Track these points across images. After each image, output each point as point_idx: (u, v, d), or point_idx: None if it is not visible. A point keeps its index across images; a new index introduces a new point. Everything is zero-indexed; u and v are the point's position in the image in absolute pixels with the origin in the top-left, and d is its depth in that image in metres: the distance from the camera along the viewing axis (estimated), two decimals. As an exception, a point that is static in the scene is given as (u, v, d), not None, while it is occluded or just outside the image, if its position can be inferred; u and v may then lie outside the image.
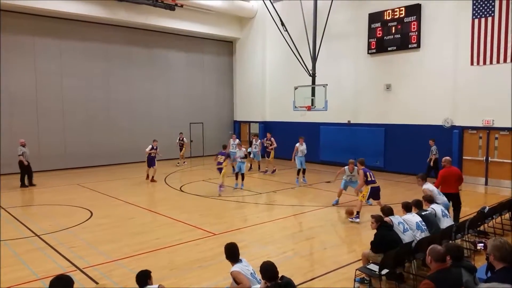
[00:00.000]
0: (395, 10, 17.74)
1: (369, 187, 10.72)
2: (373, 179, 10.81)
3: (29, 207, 12.45)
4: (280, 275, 4.59)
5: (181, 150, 21.46)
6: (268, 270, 4.55)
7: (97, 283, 6.70)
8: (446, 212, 8.12)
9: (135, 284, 6.63)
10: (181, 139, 21.54)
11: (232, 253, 5.26)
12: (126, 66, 21.94)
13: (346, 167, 12.30)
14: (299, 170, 15.89)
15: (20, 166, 15.48)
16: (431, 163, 15.78)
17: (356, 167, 11.93)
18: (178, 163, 21.39)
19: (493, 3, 14.73)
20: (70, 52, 19.99)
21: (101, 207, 12.23)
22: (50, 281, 3.73)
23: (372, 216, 6.85)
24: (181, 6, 20.89)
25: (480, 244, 7.88)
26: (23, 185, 15.53)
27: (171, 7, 20.18)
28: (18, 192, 14.64)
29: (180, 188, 15.12)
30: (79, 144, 20.25)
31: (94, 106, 20.85)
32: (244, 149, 15.48)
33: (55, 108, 19.64)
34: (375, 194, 10.85)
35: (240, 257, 5.28)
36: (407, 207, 7.58)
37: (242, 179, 14.98)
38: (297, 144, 15.98)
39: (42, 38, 19.15)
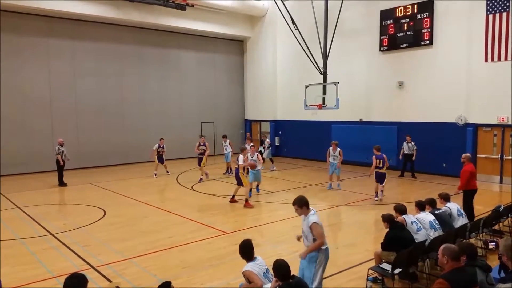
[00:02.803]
0: (407, 6, 17.55)
1: (374, 171, 12.48)
2: (381, 166, 12.41)
3: (43, 206, 12.63)
4: (291, 274, 4.58)
5: (161, 159, 17.71)
6: (280, 268, 4.53)
7: (110, 281, 6.78)
8: (462, 211, 8.03)
9: (148, 282, 6.72)
10: (161, 146, 17.74)
11: (246, 250, 5.25)
12: (138, 66, 22.12)
13: (330, 148, 14.34)
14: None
15: (57, 165, 15.74)
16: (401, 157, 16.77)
17: (338, 148, 14.19)
18: (155, 174, 17.58)
19: (507, -2, 14.50)
20: (83, 52, 20.24)
21: (114, 206, 12.35)
22: (65, 280, 3.78)
23: (382, 216, 6.79)
24: (192, 6, 20.97)
25: (492, 243, 7.78)
26: (61, 183, 15.76)
27: (182, 7, 20.28)
28: (32, 192, 14.85)
29: (192, 187, 15.19)
30: (92, 144, 20.48)
31: (107, 106, 21.08)
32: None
33: (69, 108, 19.91)
34: (380, 178, 12.46)
35: (255, 255, 5.27)
36: (420, 206, 7.52)
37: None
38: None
39: (55, 39, 19.41)
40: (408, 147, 16.48)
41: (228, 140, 17.48)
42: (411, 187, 15.01)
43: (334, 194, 13.74)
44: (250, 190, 12.89)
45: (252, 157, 12.96)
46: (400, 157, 16.80)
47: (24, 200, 13.14)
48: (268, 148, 19.93)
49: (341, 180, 14.77)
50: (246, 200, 12.06)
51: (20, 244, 8.78)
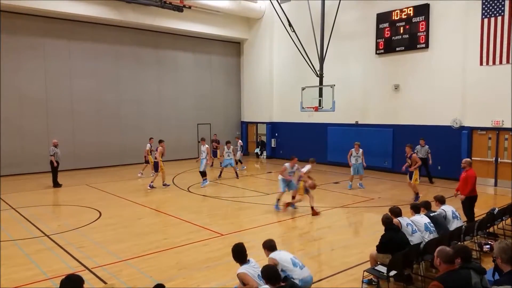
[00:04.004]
0: (404, 10, 17.65)
1: (417, 171, 12.23)
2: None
3: (39, 207, 12.57)
4: (283, 276, 4.56)
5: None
6: (269, 273, 4.48)
7: (105, 283, 6.75)
8: (457, 214, 8.06)
9: (144, 283, 6.71)
10: (152, 145, 17.65)
11: (239, 254, 5.26)
12: (135, 67, 22.09)
13: (352, 149, 14.66)
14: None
15: (51, 166, 15.69)
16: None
17: (361, 149, 14.62)
18: (142, 173, 17.99)
19: (503, 3, 14.59)
20: (80, 53, 20.19)
21: (109, 207, 12.32)
22: (61, 281, 3.77)
23: (382, 217, 6.81)
24: (189, 7, 20.98)
25: (487, 246, 7.81)
26: (55, 185, 15.70)
27: (179, 9, 20.27)
28: (27, 193, 14.78)
29: (188, 189, 15.17)
30: (88, 145, 20.42)
31: (103, 107, 21.03)
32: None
33: (65, 108, 19.84)
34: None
35: (248, 258, 5.27)
36: (415, 208, 7.56)
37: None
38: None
39: (52, 39, 19.35)
40: (422, 151, 15.87)
41: (206, 146, 15.87)
42: (405, 190, 15.03)
43: (330, 197, 13.76)
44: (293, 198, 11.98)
45: (292, 169, 12.00)
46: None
47: (19, 201, 13.06)
48: (240, 150, 20.54)
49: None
50: (313, 208, 11.28)
51: (14, 245, 8.73)
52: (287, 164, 11.95)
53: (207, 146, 15.96)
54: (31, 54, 18.82)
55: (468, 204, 9.47)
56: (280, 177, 11.93)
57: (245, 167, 20.59)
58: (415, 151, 16.01)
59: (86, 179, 17.31)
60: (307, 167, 11.70)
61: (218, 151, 20.81)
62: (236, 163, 20.02)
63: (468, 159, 9.97)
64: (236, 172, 17.66)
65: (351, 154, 14.87)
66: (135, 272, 7.22)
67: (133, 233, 9.67)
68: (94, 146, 20.60)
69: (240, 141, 21.09)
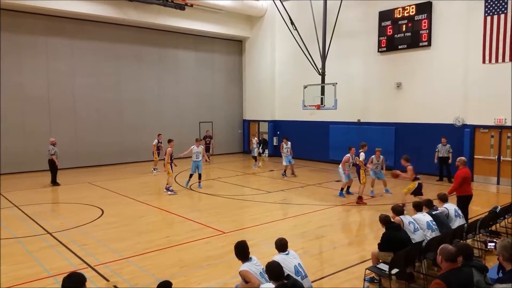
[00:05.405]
0: (406, 8, 17.60)
1: (416, 182, 10.98)
2: (418, 176, 11.13)
3: (41, 205, 12.61)
4: (286, 274, 4.57)
5: (159, 154, 18.38)
6: (272, 269, 4.50)
7: (108, 280, 6.78)
8: (460, 212, 8.04)
9: (146, 281, 6.73)
10: (160, 141, 18.64)
11: (241, 251, 5.26)
12: (136, 65, 22.10)
13: (373, 156, 13.36)
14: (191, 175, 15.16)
15: (50, 165, 15.73)
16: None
17: (382, 156, 13.46)
18: (155, 169, 18.44)
19: (506, 0, 14.52)
20: (82, 51, 20.22)
21: (112, 205, 12.35)
22: (63, 279, 3.78)
23: (379, 217, 6.81)
24: (191, 5, 20.98)
25: (491, 244, 7.80)
26: (54, 183, 15.74)
27: (181, 7, 20.28)
28: (30, 191, 14.82)
29: (190, 187, 15.18)
30: (90, 143, 20.46)
31: (104, 105, 21.06)
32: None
33: (67, 107, 19.88)
34: (419, 190, 11.00)
35: (250, 255, 5.28)
36: (417, 207, 7.56)
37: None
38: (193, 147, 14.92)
39: (54, 38, 19.38)
40: (444, 149, 15.68)
41: (201, 146, 15.28)
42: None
43: (332, 195, 13.74)
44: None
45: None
46: (435, 160, 15.97)
47: (22, 199, 13.11)
48: (257, 146, 20.96)
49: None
50: (360, 198, 12.31)
51: (17, 243, 8.77)
52: (348, 155, 12.89)
53: (202, 147, 15.28)
54: (34, 53, 18.85)
55: (461, 203, 9.14)
56: (341, 169, 13.01)
57: (259, 164, 20.87)
58: (436, 150, 15.92)
59: (88, 177, 17.35)
60: (362, 154, 12.61)
61: (211, 146, 21.49)
62: (256, 159, 20.71)
63: (463, 158, 9.61)
64: (292, 170, 17.58)
65: (372, 162, 13.26)
66: (137, 270, 7.24)
67: (135, 231, 9.70)
68: (96, 145, 20.63)
69: (256, 138, 21.25)
